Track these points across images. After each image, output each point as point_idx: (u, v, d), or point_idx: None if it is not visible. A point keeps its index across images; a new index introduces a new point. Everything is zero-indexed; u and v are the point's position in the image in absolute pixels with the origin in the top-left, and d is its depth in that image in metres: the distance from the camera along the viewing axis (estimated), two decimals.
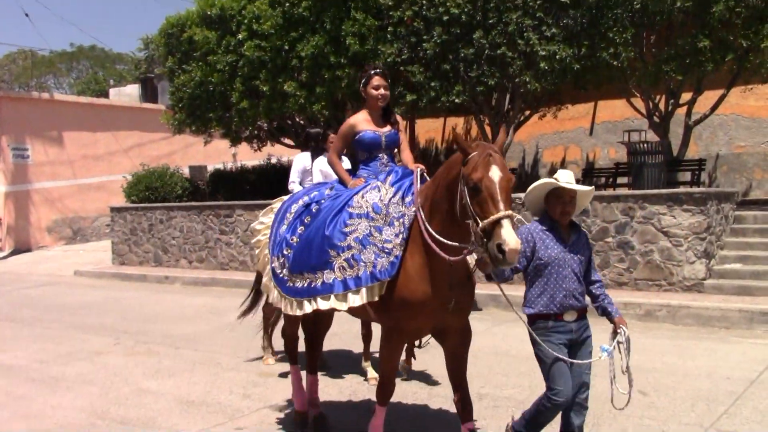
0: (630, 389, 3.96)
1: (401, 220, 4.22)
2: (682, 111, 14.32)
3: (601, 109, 19.20)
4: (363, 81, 5.00)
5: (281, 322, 6.14)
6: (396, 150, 5.10)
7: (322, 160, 6.93)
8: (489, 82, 13.30)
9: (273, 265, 4.90)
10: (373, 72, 4.97)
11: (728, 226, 11.51)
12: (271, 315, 7.47)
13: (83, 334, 9.72)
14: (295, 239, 4.74)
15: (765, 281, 10.05)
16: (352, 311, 4.51)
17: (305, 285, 4.52)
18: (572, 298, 4.05)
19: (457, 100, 13.70)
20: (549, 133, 20.11)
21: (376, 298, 4.19)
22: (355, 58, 14.45)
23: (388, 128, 4.98)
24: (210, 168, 23.82)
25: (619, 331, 3.99)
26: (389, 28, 14.07)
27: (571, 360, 3.99)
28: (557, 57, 12.39)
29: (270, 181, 19.27)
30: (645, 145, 14.32)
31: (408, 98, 14.11)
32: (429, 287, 4.06)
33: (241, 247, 15.68)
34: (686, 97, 14.12)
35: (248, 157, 22.71)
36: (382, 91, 4.94)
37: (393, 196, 4.35)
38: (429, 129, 23.01)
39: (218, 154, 25.61)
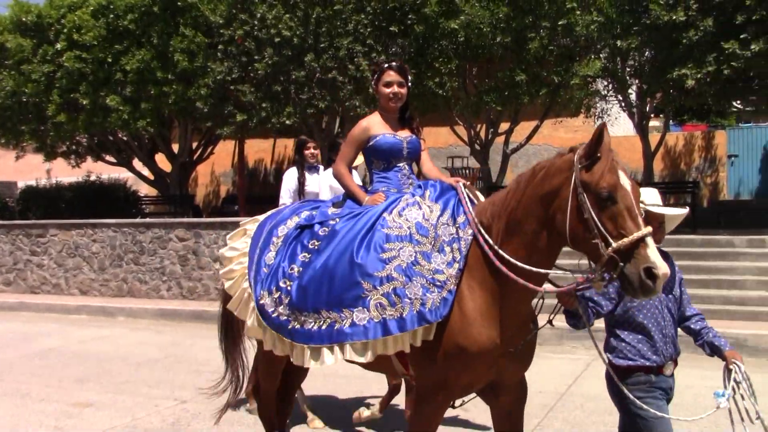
0: None
1: (454, 246, 3.35)
2: (500, 140, 15.20)
3: (426, 136, 19.21)
4: (375, 77, 4.08)
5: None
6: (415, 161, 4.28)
7: (329, 174, 5.42)
8: (320, 105, 13.44)
9: (262, 302, 3.77)
10: (386, 66, 4.02)
11: None
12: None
13: None
14: (297, 269, 3.68)
15: None
16: (368, 364, 3.51)
17: (323, 327, 3.44)
18: (672, 345, 3.35)
19: (287, 122, 13.71)
20: None
21: (419, 343, 3.27)
22: (184, 75, 14.20)
23: (408, 133, 4.16)
24: (21, 184, 22.27)
25: (731, 367, 3.18)
26: (219, 46, 13.91)
27: (678, 418, 3.26)
28: None
29: (88, 199, 18.35)
30: (467, 171, 15.04)
31: (238, 118, 13.95)
32: (495, 330, 3.24)
33: (55, 269, 14.68)
34: (504, 126, 15.04)
35: (65, 173, 21.46)
36: (395, 88, 3.99)
37: (441, 215, 3.46)
38: (258, 149, 22.87)
39: (30, 170, 23.98)
